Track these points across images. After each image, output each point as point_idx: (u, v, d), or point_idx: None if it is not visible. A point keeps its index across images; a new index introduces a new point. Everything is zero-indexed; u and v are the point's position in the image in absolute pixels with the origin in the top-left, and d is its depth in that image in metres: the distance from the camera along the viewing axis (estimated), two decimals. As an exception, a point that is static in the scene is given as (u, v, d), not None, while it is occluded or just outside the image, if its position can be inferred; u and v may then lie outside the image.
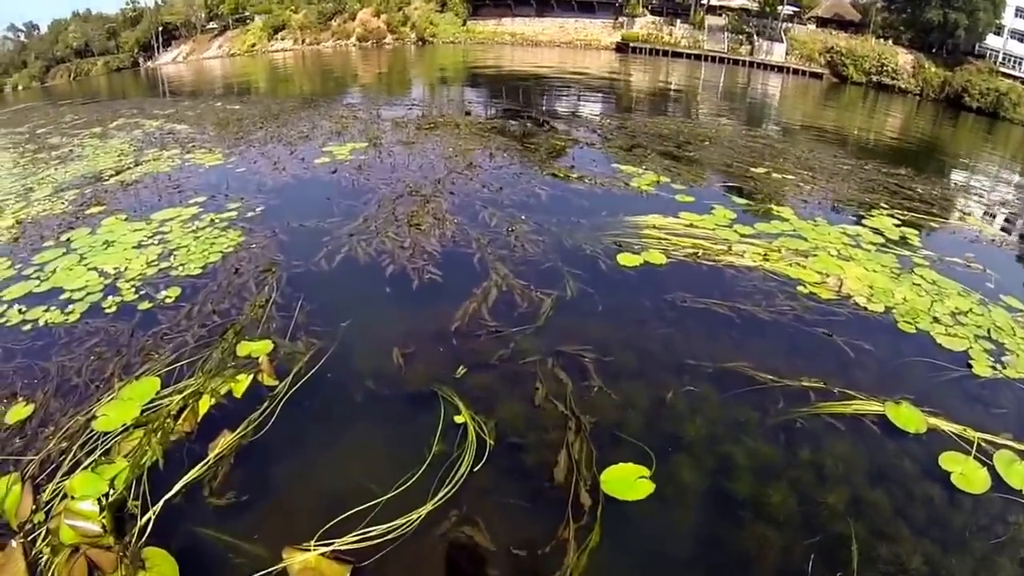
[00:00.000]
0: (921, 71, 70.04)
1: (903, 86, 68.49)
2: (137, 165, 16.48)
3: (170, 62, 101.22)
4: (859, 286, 9.45)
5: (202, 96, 36.27)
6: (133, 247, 10.47)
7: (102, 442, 5.83)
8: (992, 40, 74.56)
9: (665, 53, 72.91)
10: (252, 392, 6.56)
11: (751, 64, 70.05)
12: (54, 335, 7.86)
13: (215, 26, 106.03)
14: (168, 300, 8.55)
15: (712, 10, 78.65)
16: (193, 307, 8.35)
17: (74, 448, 5.79)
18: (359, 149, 16.85)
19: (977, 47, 74.25)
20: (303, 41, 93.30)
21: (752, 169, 16.57)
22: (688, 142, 19.71)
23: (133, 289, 8.88)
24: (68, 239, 11.07)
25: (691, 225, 11.52)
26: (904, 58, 70.83)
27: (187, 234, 10.92)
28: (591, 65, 56.14)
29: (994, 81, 65.03)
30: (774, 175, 16.13)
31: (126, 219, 11.86)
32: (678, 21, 78.89)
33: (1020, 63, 72.75)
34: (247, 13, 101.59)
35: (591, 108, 29.69)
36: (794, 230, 11.63)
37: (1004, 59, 73.09)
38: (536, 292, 8.65)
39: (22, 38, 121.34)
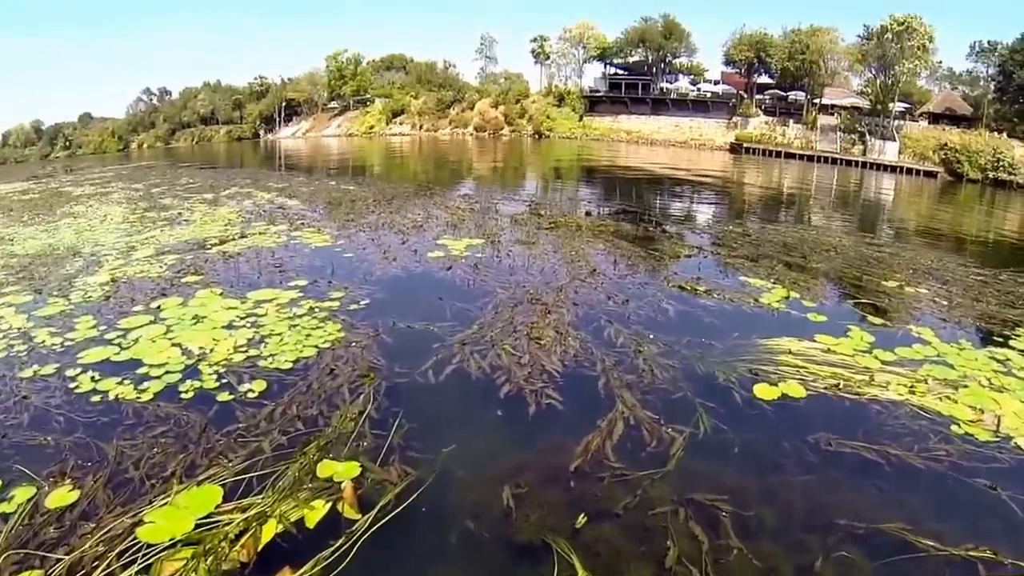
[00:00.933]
0: None
1: (1021, 181, 63.76)
2: (243, 237, 16.49)
3: (289, 136, 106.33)
4: (1019, 423, 8.19)
5: (317, 172, 37.48)
6: (223, 326, 10.08)
7: (144, 555, 5.09)
8: None
9: (778, 154, 72.08)
10: (328, 523, 5.72)
11: (864, 164, 68.06)
12: (122, 413, 7.41)
13: (336, 106, 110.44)
14: (250, 395, 7.97)
15: (824, 109, 77.91)
16: (277, 408, 7.70)
17: (111, 556, 5.07)
18: (475, 246, 16.29)
19: None
20: (420, 127, 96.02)
21: (883, 283, 15.31)
22: (813, 251, 18.61)
23: (215, 375, 8.40)
24: (159, 307, 10.84)
25: (829, 350, 10.43)
26: (1020, 151, 67.13)
27: (283, 320, 10.44)
28: (706, 165, 55.67)
29: None
30: (907, 289, 14.90)
31: (221, 294, 11.61)
32: (791, 121, 78.74)
33: None
34: (367, 96, 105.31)
35: (709, 211, 29.24)
36: (938, 355, 10.32)
37: None
38: (666, 428, 7.65)
39: (154, 101, 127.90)
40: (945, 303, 14.04)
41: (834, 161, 69.16)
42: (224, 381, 8.25)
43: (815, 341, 10.74)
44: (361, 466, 6.51)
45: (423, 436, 7.29)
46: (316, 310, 11.02)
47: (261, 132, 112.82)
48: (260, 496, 5.92)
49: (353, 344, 9.68)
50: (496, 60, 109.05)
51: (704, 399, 8.43)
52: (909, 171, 66.29)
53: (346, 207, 22.02)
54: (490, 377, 8.81)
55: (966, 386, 9.20)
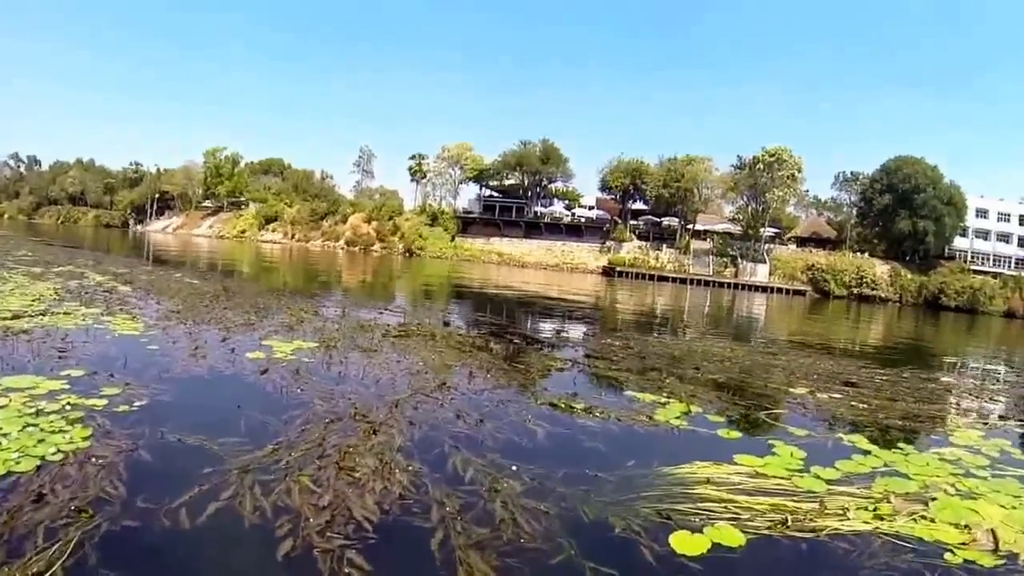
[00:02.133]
0: (898, 278, 73.42)
1: (883, 295, 71.17)
2: (43, 315, 13.56)
3: (159, 230, 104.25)
4: (1016, 534, 6.50)
5: (174, 266, 33.14)
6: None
7: None
8: (959, 241, 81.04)
9: (651, 276, 73.14)
10: None
11: (736, 286, 70.55)
12: None
13: (209, 204, 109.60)
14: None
15: (697, 235, 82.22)
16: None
17: None
18: (306, 349, 13.01)
19: (947, 249, 79.87)
20: (293, 236, 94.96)
21: (791, 390, 13.57)
22: (704, 361, 16.58)
23: None
24: None
25: (756, 473, 7.78)
26: (881, 268, 74.08)
27: (21, 416, 7.25)
28: (579, 287, 54.10)
29: (966, 279, 69.67)
30: (819, 395, 13.20)
31: (-33, 377, 8.27)
32: (664, 246, 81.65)
33: (987, 259, 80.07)
34: (243, 198, 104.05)
35: (582, 328, 26.00)
36: (885, 465, 8.52)
37: (972, 256, 79.92)
38: None
39: (21, 169, 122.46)
40: (864, 406, 12.50)
41: (707, 283, 71.36)
42: None
43: (735, 463, 8.10)
44: None
45: None
46: (71, 407, 7.74)
47: (131, 222, 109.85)
48: None
49: (94, 460, 6.34)
50: (373, 174, 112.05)
51: (599, 563, 5.36)
52: (779, 290, 69.70)
53: (178, 299, 18.59)
54: (269, 526, 5.51)
55: (934, 498, 7.35)
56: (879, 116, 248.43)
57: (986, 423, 11.94)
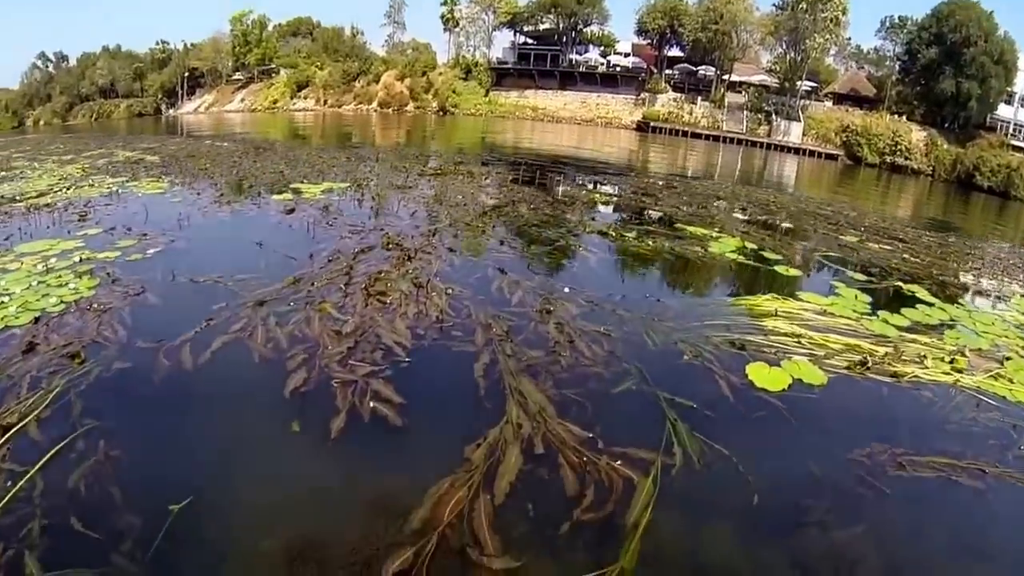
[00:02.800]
0: (934, 148, 67.78)
1: (916, 166, 66.13)
2: (70, 189, 12.35)
3: (192, 112, 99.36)
4: None
5: (205, 138, 31.99)
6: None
7: None
8: (1003, 110, 72.36)
9: (685, 134, 69.95)
10: None
11: (768, 146, 67.28)
12: None
13: (240, 77, 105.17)
14: None
15: (732, 86, 77.35)
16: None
17: None
18: (336, 190, 12.17)
19: (989, 118, 71.86)
20: (325, 102, 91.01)
21: (841, 237, 12.70)
22: (750, 204, 15.73)
23: None
24: None
25: (825, 312, 7.09)
26: (918, 135, 68.72)
27: (30, 276, 6.55)
28: (612, 143, 52.55)
29: (1004, 156, 61.99)
30: (870, 244, 12.34)
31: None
32: (699, 99, 76.86)
33: None
34: (273, 65, 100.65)
35: (625, 176, 24.85)
36: (951, 319, 7.73)
37: (1015, 129, 71.26)
38: (609, 460, 3.91)
39: (50, 68, 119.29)
40: (917, 260, 11.61)
41: (739, 142, 68.19)
42: None
43: (801, 300, 7.38)
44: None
45: (137, 471, 3.66)
46: (84, 260, 7.03)
47: (163, 107, 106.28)
48: None
49: (95, 306, 5.69)
50: (404, 26, 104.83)
51: (671, 391, 4.72)
52: (812, 153, 66.46)
53: (208, 160, 17.50)
54: (279, 359, 4.85)
55: (1008, 358, 6.61)
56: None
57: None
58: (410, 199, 11.49)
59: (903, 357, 6.07)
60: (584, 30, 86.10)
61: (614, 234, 9.57)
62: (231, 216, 9.88)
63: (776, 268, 8.82)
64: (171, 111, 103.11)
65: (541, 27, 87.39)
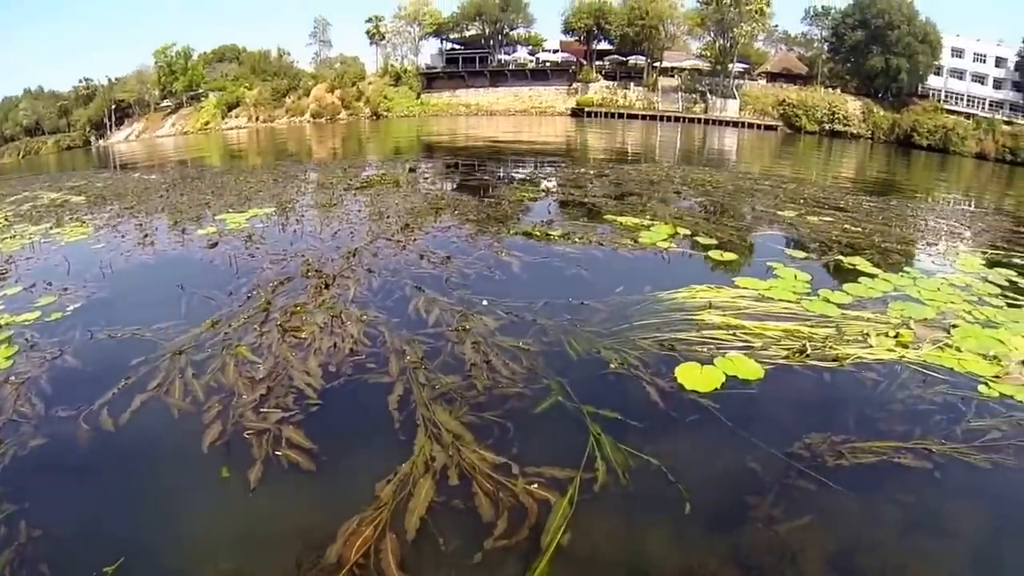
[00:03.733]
0: (870, 115, 71.57)
1: (855, 131, 69.67)
2: None
3: (122, 140, 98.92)
4: None
5: (137, 169, 30.91)
6: None
7: None
8: (933, 80, 77.58)
9: (621, 115, 71.48)
10: None
11: (707, 121, 68.73)
12: None
13: (168, 104, 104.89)
14: None
15: (665, 72, 79.44)
16: None
17: None
18: (260, 216, 11.70)
19: (920, 88, 76.90)
20: (257, 118, 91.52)
21: (779, 213, 12.41)
22: (685, 185, 15.48)
23: None
24: None
25: (762, 297, 6.81)
26: (853, 104, 72.08)
27: None
28: (549, 130, 52.46)
29: (939, 118, 67.51)
30: (809, 218, 12.04)
31: None
32: (632, 84, 78.88)
33: (961, 99, 76.74)
34: (201, 91, 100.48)
35: (556, 164, 23.85)
36: (895, 289, 7.56)
37: (946, 96, 76.50)
38: (525, 482, 3.72)
39: None
40: (858, 229, 11.41)
41: (677, 119, 69.27)
42: None
43: (737, 287, 7.11)
44: None
45: (64, 544, 3.58)
46: (2, 328, 6.56)
47: (92, 139, 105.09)
48: None
49: (12, 379, 5.30)
50: (330, 44, 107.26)
51: (595, 403, 4.47)
52: (751, 125, 68.36)
53: (133, 196, 16.61)
54: (198, 411, 4.62)
55: (955, 326, 6.48)
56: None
57: (984, 252, 10.76)
58: (334, 217, 11.08)
59: (845, 338, 5.83)
60: (511, 33, 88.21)
61: (539, 234, 9.22)
62: (154, 258, 9.37)
63: (711, 254, 8.54)
64: (101, 142, 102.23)
65: (467, 33, 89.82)
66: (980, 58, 79.38)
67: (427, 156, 29.48)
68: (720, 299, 6.56)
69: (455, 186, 14.85)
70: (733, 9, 73.10)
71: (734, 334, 5.67)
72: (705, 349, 5.33)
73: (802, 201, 14.29)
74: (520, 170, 20.87)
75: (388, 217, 10.64)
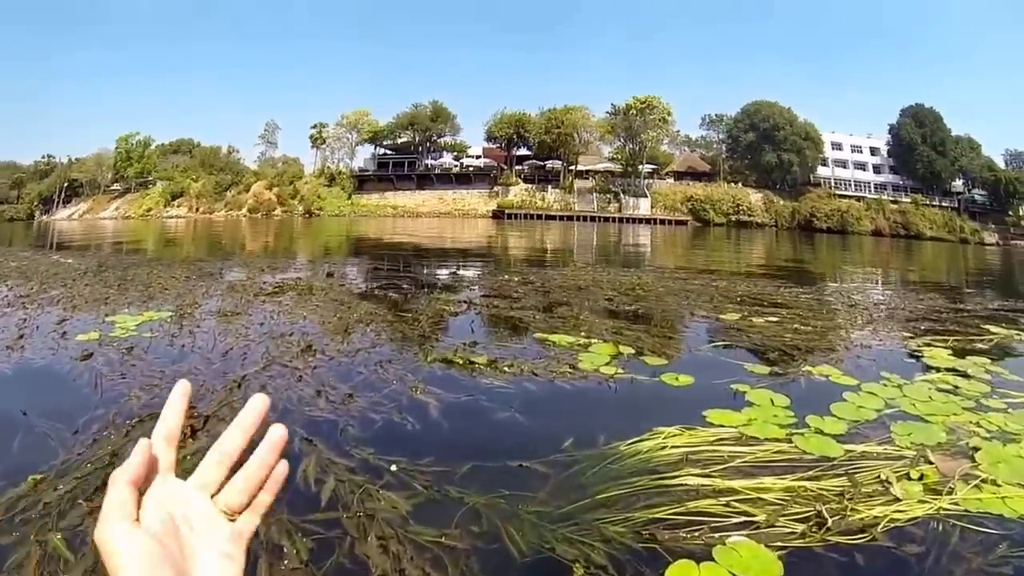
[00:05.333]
0: (772, 205, 79.47)
1: (759, 220, 76.29)
2: None
3: (65, 218, 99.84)
4: None
5: (65, 250, 28.60)
6: None
7: None
8: (822, 170, 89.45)
9: (539, 216, 74.87)
10: None
11: (621, 220, 72.10)
12: None
13: (118, 187, 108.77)
14: None
15: (580, 175, 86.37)
16: None
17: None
18: (156, 320, 9.82)
19: (812, 177, 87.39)
20: (197, 209, 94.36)
21: (722, 316, 11.11)
22: (616, 292, 14.06)
23: None
24: None
25: (743, 437, 5.22)
26: (755, 196, 79.50)
27: None
28: (471, 232, 52.16)
29: (834, 203, 77.09)
30: (756, 320, 10.73)
31: None
32: (549, 187, 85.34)
33: (849, 184, 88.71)
34: (151, 178, 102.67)
35: (479, 270, 22.08)
36: (886, 404, 6.14)
37: (836, 183, 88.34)
38: None
39: None
40: (809, 328, 10.18)
41: (593, 219, 72.67)
42: None
43: (709, 424, 5.50)
44: None
45: None
46: None
47: (37, 213, 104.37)
48: None
49: None
50: (277, 145, 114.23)
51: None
52: (662, 221, 71.82)
53: (37, 283, 14.50)
54: None
55: (976, 448, 5.02)
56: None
57: (946, 341, 9.61)
58: (231, 331, 9.12)
59: (863, 489, 4.26)
60: (439, 140, 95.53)
61: (461, 361, 7.40)
62: (13, 369, 7.21)
63: (664, 378, 6.90)
64: (44, 217, 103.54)
65: (399, 141, 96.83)
66: (857, 149, 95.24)
67: (353, 256, 27.89)
68: (696, 447, 4.89)
69: (372, 293, 13.22)
70: (639, 118, 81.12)
71: (727, 504, 4.03)
72: (696, 534, 3.62)
73: (739, 300, 13.11)
74: (442, 272, 19.39)
75: (290, 335, 8.77)
